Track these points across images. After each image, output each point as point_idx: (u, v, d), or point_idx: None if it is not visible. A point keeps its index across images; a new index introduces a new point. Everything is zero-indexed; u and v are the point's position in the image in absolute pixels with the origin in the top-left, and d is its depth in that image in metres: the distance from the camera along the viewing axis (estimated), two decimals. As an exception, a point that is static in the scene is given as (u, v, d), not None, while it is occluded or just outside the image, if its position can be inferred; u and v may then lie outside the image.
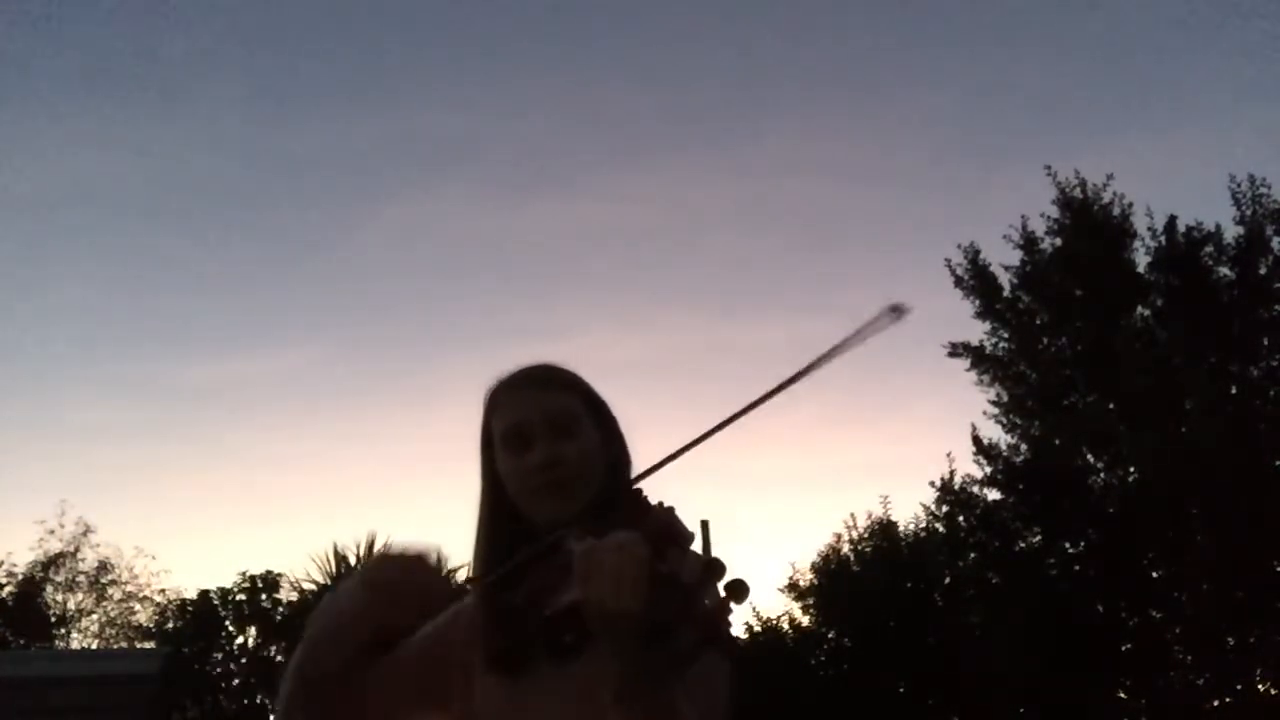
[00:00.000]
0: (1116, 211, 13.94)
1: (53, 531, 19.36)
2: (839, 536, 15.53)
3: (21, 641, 17.93)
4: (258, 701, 15.42)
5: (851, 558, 15.23)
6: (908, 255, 21.32)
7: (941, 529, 14.34)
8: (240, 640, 16.04)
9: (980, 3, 21.30)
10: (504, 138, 22.04)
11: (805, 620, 15.51)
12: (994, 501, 13.87)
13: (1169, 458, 11.98)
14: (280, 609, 15.77)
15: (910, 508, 17.85)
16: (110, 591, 19.80)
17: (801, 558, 16.19)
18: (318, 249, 22.80)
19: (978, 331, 14.49)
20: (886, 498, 15.34)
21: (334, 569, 12.93)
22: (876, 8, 21.49)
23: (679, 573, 1.15)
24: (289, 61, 21.27)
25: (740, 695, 1.39)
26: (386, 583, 1.37)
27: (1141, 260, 13.72)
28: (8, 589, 18.64)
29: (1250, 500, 11.30)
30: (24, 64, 21.78)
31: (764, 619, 15.35)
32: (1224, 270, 13.13)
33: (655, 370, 20.81)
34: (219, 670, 15.89)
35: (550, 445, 1.43)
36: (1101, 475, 13.53)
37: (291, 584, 15.55)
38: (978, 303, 14.42)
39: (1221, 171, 15.91)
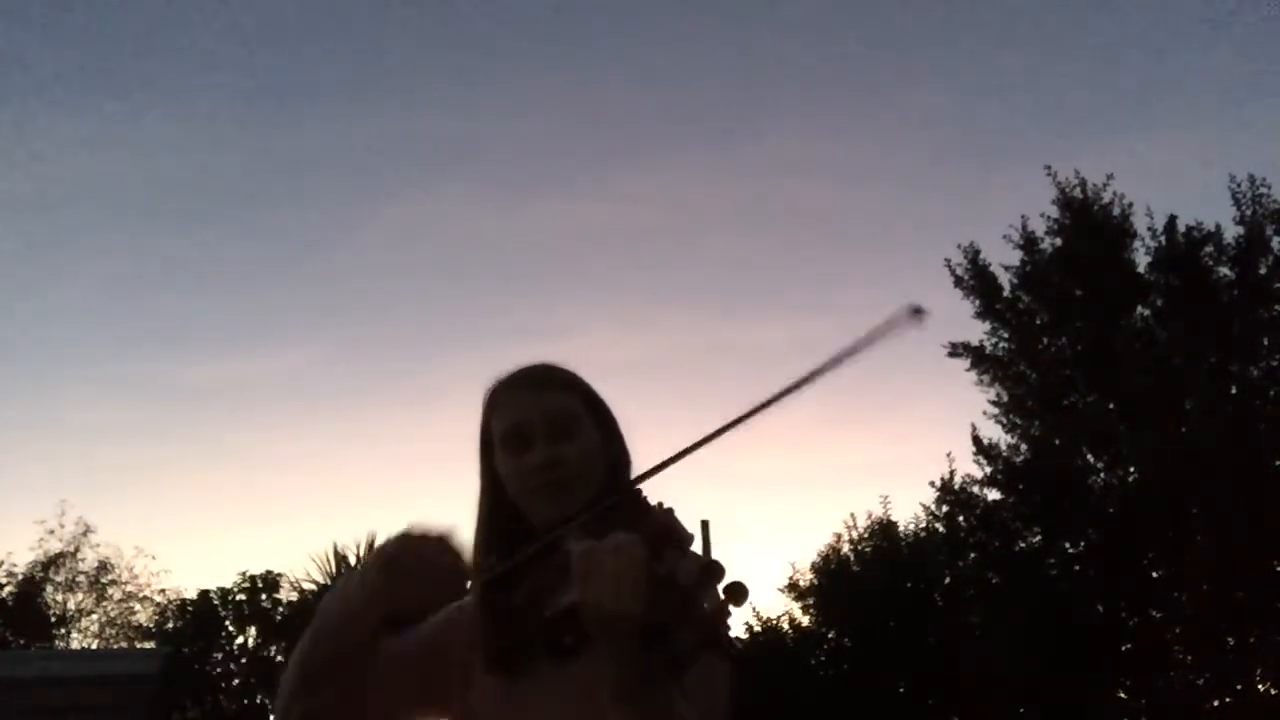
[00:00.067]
0: (1116, 211, 13.96)
1: (53, 531, 19.42)
2: (839, 536, 15.56)
3: (21, 641, 17.93)
4: (258, 701, 15.41)
5: (851, 558, 15.23)
6: (908, 255, 21.36)
7: (941, 529, 14.35)
8: (240, 640, 16.06)
9: (980, 3, 21.35)
10: (504, 138, 22.08)
11: (805, 620, 15.51)
12: (994, 501, 13.89)
13: (1169, 458, 11.99)
14: (280, 609, 15.77)
15: (910, 508, 17.84)
16: (110, 591, 19.85)
17: (801, 558, 16.20)
18: (318, 249, 22.84)
19: (978, 331, 14.54)
20: (886, 498, 15.38)
21: (334, 569, 12.91)
22: (876, 8, 21.54)
23: (677, 574, 1.15)
24: (289, 61, 21.34)
25: (740, 695, 1.38)
26: (406, 566, 1.34)
27: (1141, 260, 13.76)
28: (8, 589, 18.65)
29: (1250, 500, 11.30)
30: (24, 64, 21.82)
31: (764, 619, 15.36)
32: (1224, 270, 13.16)
33: (655, 370, 20.82)
34: (219, 670, 15.88)
35: (550, 446, 1.43)
36: (1101, 475, 13.53)
37: (291, 584, 15.54)
38: (978, 303, 14.43)
39: (1221, 171, 15.94)
